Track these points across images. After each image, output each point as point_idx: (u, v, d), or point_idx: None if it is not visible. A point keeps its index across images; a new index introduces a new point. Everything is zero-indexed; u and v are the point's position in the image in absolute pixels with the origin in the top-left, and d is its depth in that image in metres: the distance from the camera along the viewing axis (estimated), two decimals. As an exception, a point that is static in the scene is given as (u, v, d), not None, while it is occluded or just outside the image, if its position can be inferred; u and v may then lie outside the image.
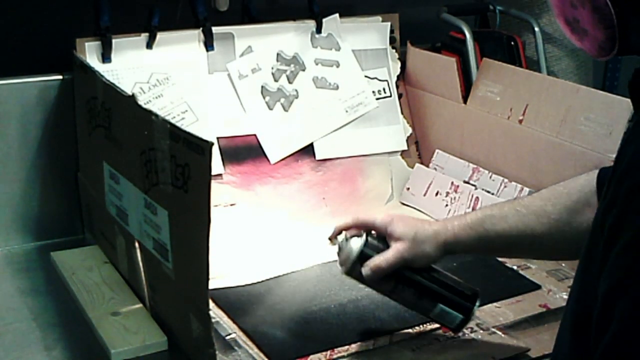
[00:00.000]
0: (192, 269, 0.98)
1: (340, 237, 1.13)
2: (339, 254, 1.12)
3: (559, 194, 1.09)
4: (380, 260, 1.07)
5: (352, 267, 1.09)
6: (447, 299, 1.09)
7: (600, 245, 0.75)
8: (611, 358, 0.72)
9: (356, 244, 1.09)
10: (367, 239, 1.10)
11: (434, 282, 1.10)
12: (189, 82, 1.47)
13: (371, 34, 1.66)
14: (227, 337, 1.13)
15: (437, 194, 1.55)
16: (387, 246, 1.09)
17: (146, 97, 1.43)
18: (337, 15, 1.61)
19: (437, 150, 1.62)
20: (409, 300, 1.11)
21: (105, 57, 1.41)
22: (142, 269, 1.16)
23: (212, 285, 0.96)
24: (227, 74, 1.51)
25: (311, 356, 1.08)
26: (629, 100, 1.06)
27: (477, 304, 1.10)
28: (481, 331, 1.15)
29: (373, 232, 1.11)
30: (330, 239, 1.15)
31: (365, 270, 1.08)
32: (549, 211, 1.07)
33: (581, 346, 0.79)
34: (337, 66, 1.61)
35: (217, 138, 1.48)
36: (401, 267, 1.08)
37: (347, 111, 1.60)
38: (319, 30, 1.60)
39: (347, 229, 1.13)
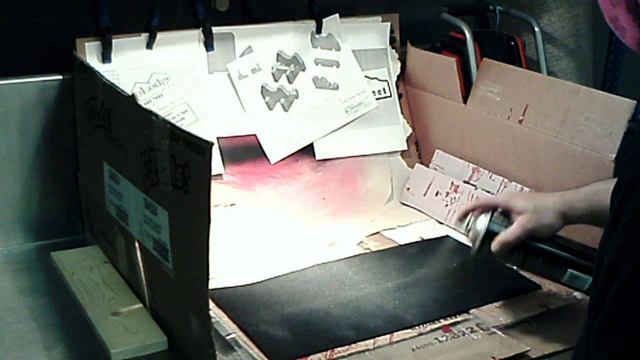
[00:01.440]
0: (192, 269, 0.98)
1: (467, 219, 1.23)
2: (468, 234, 1.22)
3: None
4: (506, 234, 1.16)
5: (482, 244, 1.18)
6: (575, 263, 1.17)
7: (607, 230, 0.78)
8: (600, 337, 0.75)
9: (482, 222, 1.18)
10: (492, 217, 1.18)
11: (561, 249, 1.18)
12: (189, 82, 1.47)
13: (371, 34, 1.65)
14: (227, 337, 1.13)
15: (437, 194, 1.55)
16: (511, 222, 1.16)
17: (146, 97, 1.43)
18: (337, 15, 1.61)
19: (437, 150, 1.62)
20: (540, 269, 1.20)
21: (105, 57, 1.41)
22: (142, 269, 1.16)
23: (212, 285, 0.96)
24: (227, 74, 1.51)
25: (311, 356, 1.08)
26: (629, 100, 1.06)
27: None
28: (481, 331, 1.15)
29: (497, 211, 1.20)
30: (459, 219, 1.25)
31: (494, 246, 1.16)
32: None
33: (589, 326, 0.81)
34: (337, 66, 1.61)
35: (217, 138, 1.48)
36: (527, 238, 1.16)
37: (347, 111, 1.60)
38: (319, 30, 1.60)
39: (472, 210, 1.23)
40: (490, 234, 1.17)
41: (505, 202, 1.20)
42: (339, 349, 1.10)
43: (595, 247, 1.12)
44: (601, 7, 0.86)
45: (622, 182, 0.77)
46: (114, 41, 1.41)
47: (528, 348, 1.11)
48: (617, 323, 0.74)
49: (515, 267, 1.25)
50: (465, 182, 1.52)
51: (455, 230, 1.48)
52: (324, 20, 1.60)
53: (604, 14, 0.87)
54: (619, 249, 0.75)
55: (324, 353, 1.09)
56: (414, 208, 1.59)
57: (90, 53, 1.41)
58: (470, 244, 1.21)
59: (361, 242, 1.45)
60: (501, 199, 1.22)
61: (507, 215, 1.19)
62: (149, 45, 1.45)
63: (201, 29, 1.49)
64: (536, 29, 1.71)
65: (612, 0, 0.83)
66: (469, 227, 1.22)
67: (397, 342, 1.13)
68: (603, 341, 0.75)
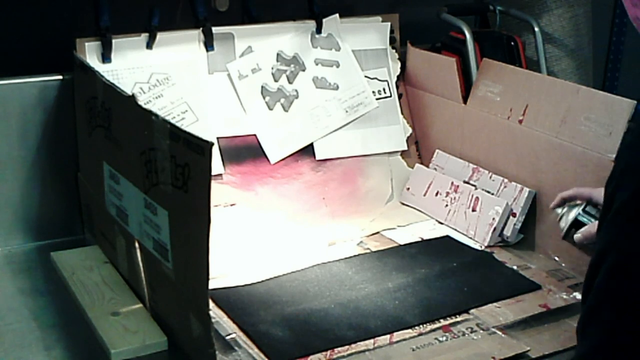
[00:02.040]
0: (192, 269, 0.98)
1: (562, 207, 1.28)
2: (559, 220, 1.28)
3: None
4: (591, 226, 1.19)
5: (567, 232, 1.25)
6: None
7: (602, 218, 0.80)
8: (583, 327, 0.76)
9: (573, 211, 1.25)
10: (584, 208, 1.24)
11: None
12: (189, 82, 1.47)
13: (371, 34, 1.65)
14: (227, 337, 1.13)
15: (437, 194, 1.55)
16: None
17: (146, 97, 1.43)
18: (337, 15, 1.61)
19: (437, 150, 1.62)
20: None
21: (105, 57, 1.41)
22: (142, 269, 1.16)
23: (212, 285, 0.96)
24: (227, 74, 1.51)
25: (311, 356, 1.09)
26: (629, 100, 1.06)
27: None
28: (481, 331, 1.15)
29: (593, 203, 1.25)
30: (552, 207, 1.30)
31: (577, 236, 1.22)
32: None
33: None
34: (337, 66, 1.61)
35: (217, 138, 1.48)
36: None
37: (347, 111, 1.60)
38: (319, 30, 1.60)
39: (569, 198, 1.27)
40: (577, 224, 1.24)
41: (600, 196, 1.20)
42: (339, 349, 1.10)
43: None
44: (625, 6, 0.88)
45: (614, 173, 0.77)
46: (114, 41, 1.41)
47: (528, 348, 1.11)
48: (599, 313, 0.75)
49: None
50: (465, 182, 1.52)
51: (455, 230, 1.48)
52: (324, 20, 1.60)
53: (628, 12, 0.88)
54: (605, 241, 0.76)
55: (324, 353, 1.09)
56: (414, 208, 1.59)
57: (90, 53, 1.41)
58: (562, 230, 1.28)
59: (361, 242, 1.45)
60: (597, 192, 1.23)
61: (599, 208, 1.23)
62: (149, 45, 1.45)
63: (201, 29, 1.49)
64: (536, 29, 1.71)
65: (633, 0, 0.84)
66: (562, 213, 1.28)
67: (397, 342, 1.13)
68: (586, 331, 0.76)
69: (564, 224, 1.28)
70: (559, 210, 1.30)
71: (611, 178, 0.78)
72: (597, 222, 1.15)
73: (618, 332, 0.74)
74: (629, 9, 0.86)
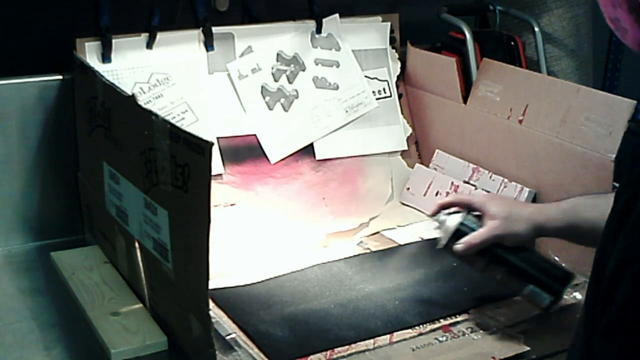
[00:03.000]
0: (192, 269, 0.98)
1: (441, 215, 1.19)
2: (438, 229, 1.19)
3: None
4: (473, 236, 1.13)
5: (448, 242, 1.16)
6: (537, 279, 1.14)
7: (611, 232, 0.76)
8: (609, 337, 0.73)
9: (453, 220, 1.16)
10: (464, 217, 1.16)
11: (525, 262, 1.15)
12: (189, 82, 1.47)
13: (371, 34, 1.66)
14: (227, 337, 1.13)
15: (437, 194, 1.55)
16: (482, 225, 1.15)
17: (146, 97, 1.43)
18: (337, 15, 1.61)
19: (437, 150, 1.62)
20: (500, 279, 1.16)
21: (105, 57, 1.41)
22: (142, 269, 1.16)
23: (212, 285, 0.96)
24: (227, 74, 1.51)
25: (311, 356, 1.09)
26: (629, 100, 1.06)
27: (568, 286, 1.15)
28: (481, 331, 1.15)
29: (474, 212, 1.18)
30: (430, 215, 1.22)
31: (459, 245, 1.14)
32: None
33: (591, 327, 0.80)
34: (337, 66, 1.61)
35: (217, 138, 1.48)
36: (494, 245, 1.13)
37: (347, 111, 1.60)
38: (319, 30, 1.60)
39: (448, 206, 1.20)
40: (458, 233, 1.15)
41: (481, 204, 1.17)
42: (339, 349, 1.10)
43: (561, 265, 1.14)
44: (602, 8, 0.86)
45: (628, 181, 0.76)
46: (114, 41, 1.41)
47: (528, 348, 1.11)
48: (624, 325, 0.73)
49: (477, 272, 1.19)
50: (465, 182, 1.52)
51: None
52: (324, 20, 1.60)
53: (604, 14, 0.86)
54: (627, 250, 0.73)
55: (324, 353, 1.09)
56: (414, 208, 1.59)
57: (90, 53, 1.41)
58: (439, 238, 1.19)
59: (361, 242, 1.45)
60: (477, 200, 1.19)
61: (480, 217, 1.16)
62: (149, 45, 1.45)
63: (201, 29, 1.49)
64: (536, 29, 1.71)
65: (613, 1, 0.82)
66: (440, 222, 1.18)
67: (397, 342, 1.13)
68: (610, 344, 0.73)
69: (443, 233, 1.17)
70: (437, 218, 1.19)
71: (624, 187, 0.76)
72: (476, 232, 1.14)
73: None
74: (607, 11, 0.84)
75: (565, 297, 1.24)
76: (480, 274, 1.18)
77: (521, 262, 1.15)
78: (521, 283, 1.15)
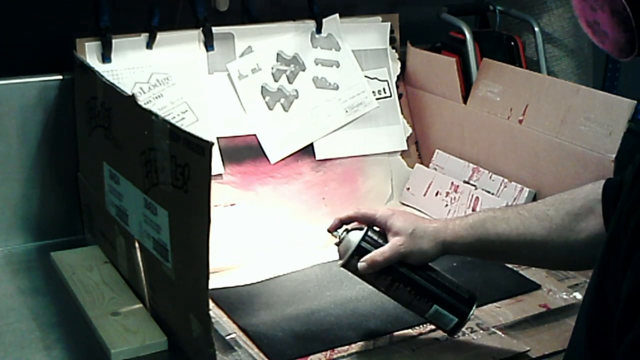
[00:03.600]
0: (192, 269, 0.98)
1: (341, 230, 1.12)
2: (338, 246, 1.12)
3: (562, 200, 1.09)
4: (375, 254, 1.07)
5: (349, 260, 1.09)
6: (442, 300, 1.08)
7: (622, 248, 0.74)
8: (633, 356, 0.72)
9: (355, 237, 1.09)
10: (366, 233, 1.09)
11: (430, 282, 1.09)
12: (189, 82, 1.47)
13: (371, 34, 1.65)
14: (227, 337, 1.13)
15: (437, 194, 1.55)
16: (387, 242, 1.08)
17: (146, 97, 1.43)
18: (337, 15, 1.61)
19: (437, 150, 1.62)
20: (404, 299, 1.10)
21: (105, 57, 1.41)
22: (142, 269, 1.16)
23: (212, 285, 0.96)
24: (227, 74, 1.51)
25: (311, 356, 1.09)
26: (629, 100, 1.05)
27: (474, 308, 1.09)
28: (481, 331, 1.15)
29: (376, 227, 1.11)
30: (329, 230, 1.14)
31: (361, 264, 1.07)
32: (552, 215, 1.07)
33: (596, 347, 0.79)
34: (337, 66, 1.61)
35: (217, 138, 1.48)
36: (398, 263, 1.08)
37: (347, 111, 1.60)
38: (319, 30, 1.60)
39: (348, 221, 1.13)
40: (360, 250, 1.08)
41: (384, 220, 1.10)
42: (339, 349, 1.10)
43: (467, 288, 1.10)
44: (577, 13, 0.85)
45: (638, 200, 0.74)
46: (114, 41, 1.41)
47: (528, 348, 1.11)
48: None
49: (379, 291, 1.12)
50: (465, 182, 1.52)
51: None
52: (324, 20, 1.60)
53: (580, 20, 0.85)
54: None
55: (324, 353, 1.09)
56: (414, 208, 1.59)
57: (90, 53, 1.41)
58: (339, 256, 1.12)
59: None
60: (380, 215, 1.10)
61: (384, 234, 1.10)
62: (149, 45, 1.45)
63: (201, 29, 1.49)
64: (536, 29, 1.71)
65: (592, 4, 0.81)
66: (341, 238, 1.11)
67: (397, 342, 1.13)
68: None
69: (344, 250, 1.10)
70: (337, 234, 1.12)
71: (635, 207, 0.73)
72: (380, 249, 1.06)
73: None
74: (584, 15, 0.83)
75: (565, 297, 1.24)
76: (385, 294, 1.11)
77: (426, 282, 1.08)
78: (426, 303, 1.08)
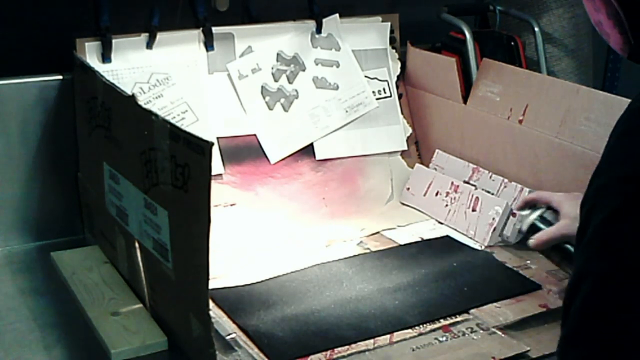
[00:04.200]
0: (192, 269, 0.98)
1: (526, 210, 1.31)
2: (520, 223, 1.31)
3: None
4: (543, 233, 1.22)
5: (525, 235, 1.27)
6: None
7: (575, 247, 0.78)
8: (562, 354, 0.74)
9: (531, 216, 1.28)
10: (541, 214, 1.27)
11: None
12: (189, 82, 1.47)
13: (371, 34, 1.66)
14: (227, 337, 1.13)
15: (437, 194, 1.55)
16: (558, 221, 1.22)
17: (146, 97, 1.43)
18: (337, 15, 1.61)
19: (437, 150, 1.62)
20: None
21: (105, 57, 1.41)
22: (142, 269, 1.16)
23: (212, 285, 0.96)
24: (227, 74, 1.52)
25: (311, 356, 1.08)
26: (629, 100, 1.05)
27: None
28: (481, 331, 1.15)
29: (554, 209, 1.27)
30: (516, 209, 1.33)
31: (531, 241, 1.24)
32: None
33: None
34: (337, 66, 1.61)
35: (217, 138, 1.48)
36: (566, 243, 1.20)
37: (347, 111, 1.60)
38: (319, 30, 1.60)
39: (532, 202, 1.30)
40: (534, 228, 1.26)
41: (557, 203, 1.24)
42: (339, 349, 1.10)
43: None
44: (587, 12, 0.86)
45: (587, 194, 0.76)
46: (114, 41, 1.41)
47: (528, 348, 1.11)
48: (575, 340, 0.73)
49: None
50: (465, 182, 1.52)
51: (455, 230, 1.48)
52: (324, 20, 1.60)
53: (590, 18, 0.86)
54: (581, 265, 0.74)
55: (324, 353, 1.09)
56: (414, 208, 1.59)
57: (90, 53, 1.41)
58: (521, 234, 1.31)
59: (361, 242, 1.45)
60: (555, 198, 1.25)
61: (558, 214, 1.24)
62: (149, 45, 1.45)
63: (201, 29, 1.49)
64: (536, 29, 1.71)
65: (594, 5, 0.83)
66: (522, 216, 1.30)
67: (397, 342, 1.13)
68: (564, 357, 0.74)
69: (523, 227, 1.31)
70: (521, 213, 1.32)
71: (586, 197, 0.77)
72: (550, 228, 1.22)
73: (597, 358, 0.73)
74: (591, 15, 0.85)
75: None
76: (562, 269, 1.25)
77: None
78: None
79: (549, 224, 1.26)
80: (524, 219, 1.30)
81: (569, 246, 1.22)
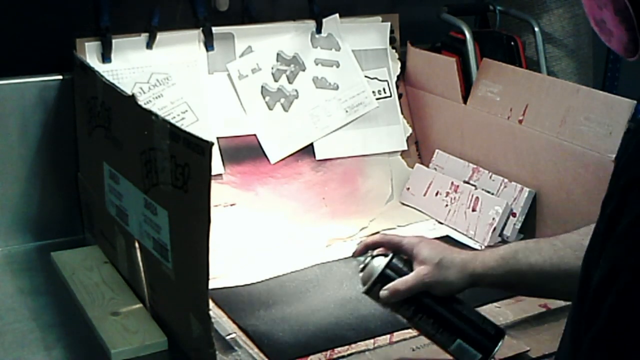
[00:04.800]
0: (192, 269, 0.98)
1: (366, 255, 1.08)
2: (361, 271, 1.07)
3: None
4: (398, 282, 1.02)
5: (372, 287, 1.04)
6: (466, 334, 1.02)
7: (599, 238, 0.74)
8: (596, 353, 0.71)
9: (379, 263, 1.04)
10: (391, 260, 1.04)
11: (454, 315, 1.03)
12: (189, 82, 1.47)
13: (371, 34, 1.66)
14: (227, 337, 1.13)
15: (437, 194, 1.55)
16: (412, 270, 1.04)
17: (146, 97, 1.43)
18: (337, 15, 1.61)
19: (437, 150, 1.62)
20: (427, 331, 1.04)
21: (105, 57, 1.41)
22: (142, 269, 1.16)
23: (212, 285, 0.96)
24: (227, 74, 1.52)
25: (311, 356, 1.08)
26: (629, 100, 1.05)
27: (500, 344, 1.04)
28: (481, 331, 1.15)
29: (403, 255, 1.06)
30: (354, 255, 1.11)
31: (383, 292, 1.03)
32: (586, 245, 1.04)
33: (578, 341, 0.79)
34: (337, 66, 1.61)
35: (217, 138, 1.48)
36: (422, 294, 1.03)
37: (347, 111, 1.60)
38: (319, 30, 1.60)
39: (374, 246, 1.09)
40: (383, 278, 1.03)
41: (410, 247, 1.05)
42: (339, 349, 1.10)
43: (493, 322, 1.07)
44: (586, 11, 0.85)
45: (614, 191, 0.74)
46: (114, 41, 1.41)
47: (528, 348, 1.11)
48: (611, 338, 0.72)
49: (404, 320, 1.06)
50: (465, 182, 1.52)
51: (455, 230, 1.48)
52: (324, 20, 1.60)
53: (589, 17, 0.85)
54: (615, 260, 0.71)
55: (324, 353, 1.09)
56: (414, 208, 1.59)
57: (90, 53, 1.41)
58: (362, 283, 1.06)
59: (361, 242, 1.44)
60: (407, 242, 1.06)
61: (410, 262, 1.05)
62: (149, 45, 1.45)
63: (201, 29, 1.49)
64: (536, 29, 1.71)
65: (599, 2, 0.82)
66: (365, 263, 1.06)
67: (397, 342, 1.13)
68: (595, 357, 0.71)
69: (367, 276, 1.04)
70: (361, 259, 1.08)
71: (609, 198, 0.73)
72: (403, 278, 1.02)
73: (635, 355, 0.71)
74: (592, 13, 0.84)
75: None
76: (407, 323, 1.07)
77: (450, 314, 1.03)
78: (450, 337, 1.02)
79: (401, 271, 1.03)
80: (370, 266, 1.05)
81: (428, 299, 1.03)
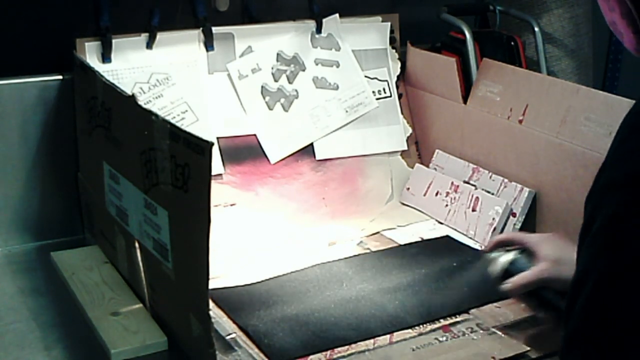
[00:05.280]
0: (192, 269, 0.98)
1: (495, 251, 1.18)
2: (490, 266, 1.17)
3: None
4: (519, 277, 1.11)
5: (498, 281, 1.14)
6: None
7: (579, 244, 0.76)
8: (566, 353, 0.73)
9: (504, 259, 1.15)
10: (516, 257, 1.14)
11: None
12: (189, 82, 1.47)
13: (371, 34, 1.66)
14: (227, 337, 1.13)
15: (437, 194, 1.55)
16: (534, 265, 1.12)
17: (146, 97, 1.43)
18: (337, 15, 1.61)
19: (437, 150, 1.62)
20: None
21: (105, 57, 1.41)
22: (142, 269, 1.16)
23: (212, 285, 0.96)
24: (227, 74, 1.52)
25: (311, 356, 1.09)
26: (629, 100, 1.05)
27: None
28: (481, 331, 1.15)
29: (529, 251, 1.14)
30: (484, 250, 1.22)
31: (505, 285, 1.12)
32: None
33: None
34: (337, 66, 1.61)
35: (217, 138, 1.48)
36: (542, 289, 1.11)
37: (347, 111, 1.60)
38: (319, 30, 1.60)
39: (504, 243, 1.18)
40: (508, 272, 1.14)
41: (534, 244, 1.14)
42: (339, 349, 1.10)
43: None
44: (602, 12, 0.87)
45: (593, 190, 0.75)
46: (114, 41, 1.41)
47: (528, 348, 1.11)
48: (580, 338, 0.73)
49: None
50: (465, 182, 1.52)
51: (455, 230, 1.48)
52: (324, 20, 1.60)
53: (605, 18, 0.87)
54: (586, 262, 0.73)
55: (324, 353, 1.09)
56: (414, 208, 1.59)
57: (90, 53, 1.41)
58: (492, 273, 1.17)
59: (361, 242, 1.45)
60: (531, 239, 1.16)
61: (534, 257, 1.14)
62: (149, 45, 1.45)
63: (201, 29, 1.49)
64: (536, 29, 1.71)
65: (609, 5, 0.83)
66: (492, 258, 1.17)
67: (397, 342, 1.13)
68: (568, 357, 0.73)
69: (493, 271, 1.16)
70: (492, 255, 1.18)
71: (591, 194, 0.75)
72: (524, 273, 1.11)
73: (604, 354, 0.72)
74: (606, 15, 0.85)
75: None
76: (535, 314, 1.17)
77: None
78: None
79: (523, 267, 1.13)
80: (495, 262, 1.17)
81: (548, 293, 1.12)
